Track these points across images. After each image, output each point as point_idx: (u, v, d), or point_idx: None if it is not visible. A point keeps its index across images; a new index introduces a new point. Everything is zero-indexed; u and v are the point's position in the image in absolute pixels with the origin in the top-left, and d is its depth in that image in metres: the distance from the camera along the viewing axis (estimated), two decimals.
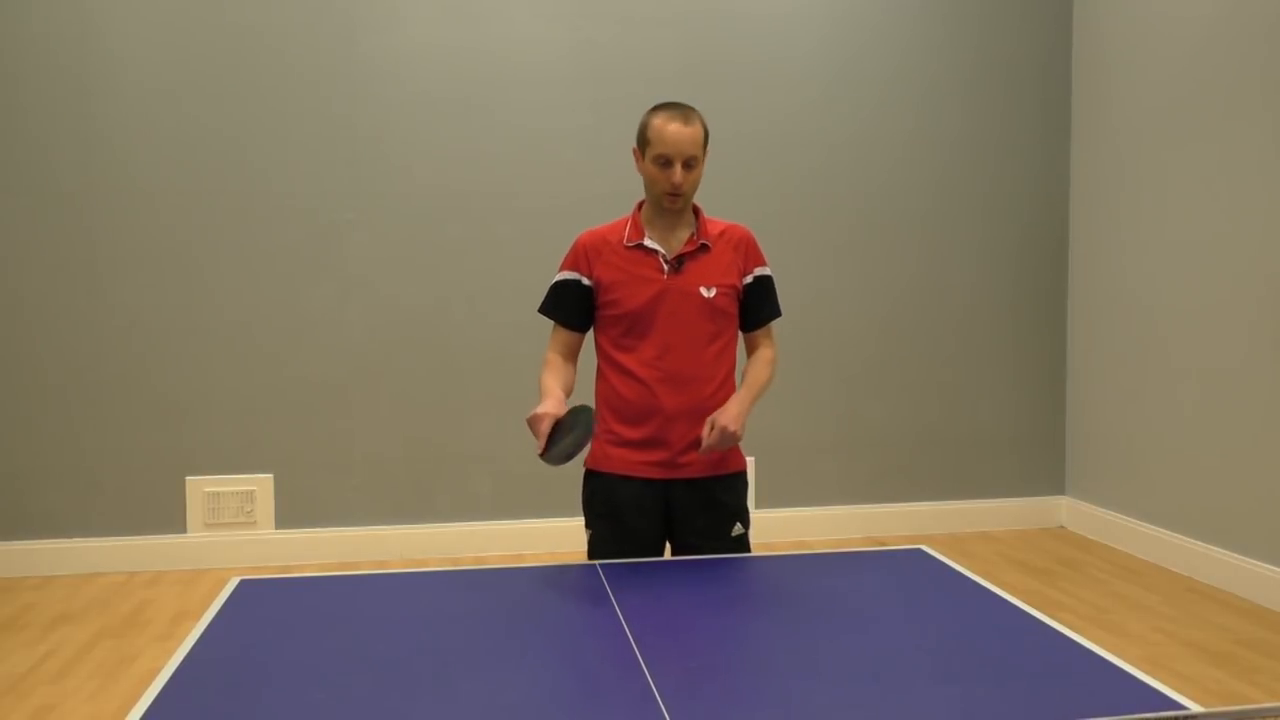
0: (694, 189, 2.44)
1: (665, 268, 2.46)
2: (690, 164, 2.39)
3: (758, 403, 2.59)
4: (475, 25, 4.82)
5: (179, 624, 4.03)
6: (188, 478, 4.75)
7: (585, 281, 2.50)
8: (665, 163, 2.39)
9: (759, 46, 5.02)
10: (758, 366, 2.61)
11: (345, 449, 4.84)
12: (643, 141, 2.45)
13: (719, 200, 5.01)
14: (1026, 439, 5.36)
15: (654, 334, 2.46)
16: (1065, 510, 5.36)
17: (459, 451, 4.90)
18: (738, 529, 2.56)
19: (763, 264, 2.57)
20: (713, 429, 2.38)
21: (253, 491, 4.78)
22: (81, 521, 4.69)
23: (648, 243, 2.47)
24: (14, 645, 3.82)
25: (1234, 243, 4.27)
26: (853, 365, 5.18)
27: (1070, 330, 5.34)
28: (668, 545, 2.57)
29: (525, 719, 1.56)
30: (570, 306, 2.52)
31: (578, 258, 2.52)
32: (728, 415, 2.40)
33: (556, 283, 2.53)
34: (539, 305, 2.58)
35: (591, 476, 2.57)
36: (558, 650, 1.82)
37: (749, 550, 2.56)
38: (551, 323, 2.57)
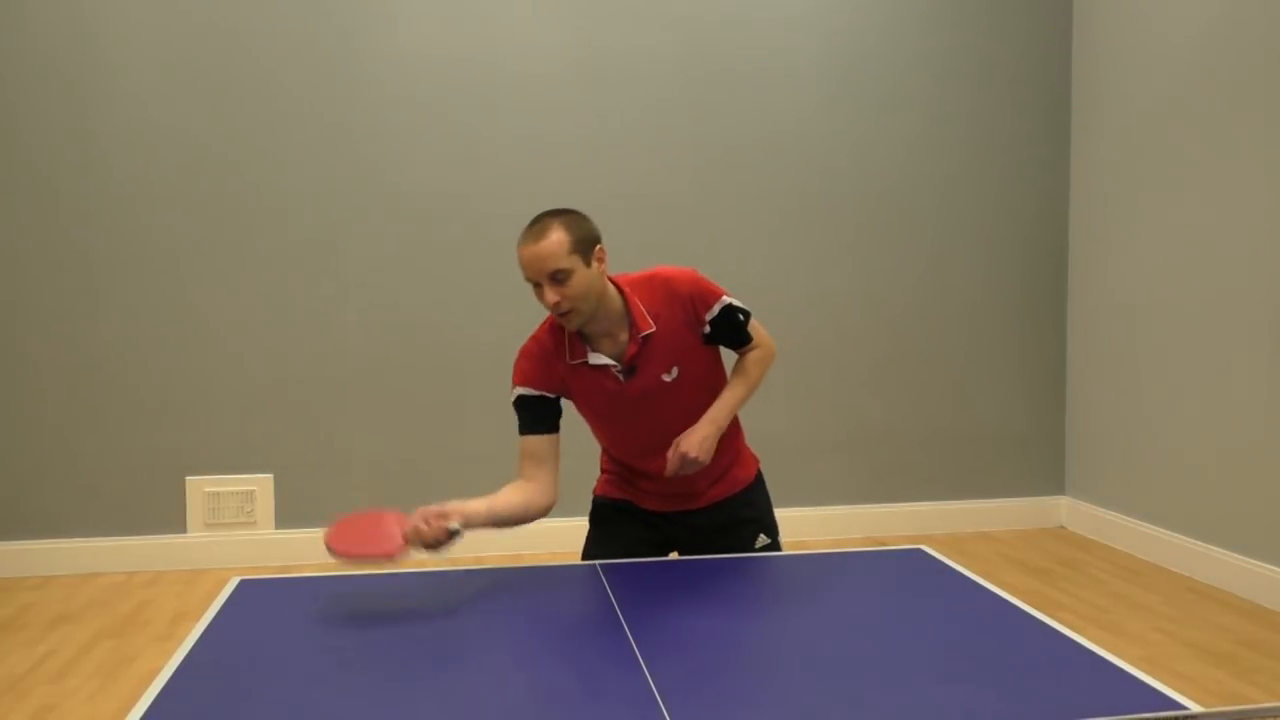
0: (585, 298, 2.21)
1: (620, 377, 2.31)
2: (559, 277, 2.17)
3: (749, 401, 2.57)
4: (475, 26, 4.82)
5: (179, 624, 4.03)
6: (188, 478, 4.75)
7: (550, 396, 2.33)
8: (535, 285, 2.21)
9: (761, 50, 5.02)
10: (734, 381, 2.42)
11: (345, 449, 4.84)
12: None
13: (720, 203, 5.03)
14: (1026, 439, 5.36)
15: (626, 426, 2.39)
16: (1065, 510, 5.36)
17: (459, 451, 4.90)
18: (762, 540, 2.52)
19: (715, 298, 2.34)
20: (675, 452, 2.28)
21: (253, 491, 4.78)
22: (81, 522, 4.69)
23: (593, 360, 2.30)
24: (14, 645, 3.82)
25: (1234, 242, 4.27)
26: (853, 365, 5.18)
27: (1070, 330, 5.34)
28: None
29: (525, 719, 1.56)
30: (541, 417, 2.33)
31: (536, 370, 2.33)
32: (691, 440, 2.28)
33: (517, 399, 2.34)
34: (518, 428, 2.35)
35: (594, 496, 2.61)
36: (558, 650, 1.82)
37: None
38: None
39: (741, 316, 2.39)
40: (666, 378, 2.33)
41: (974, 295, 5.28)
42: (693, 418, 2.37)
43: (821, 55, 5.08)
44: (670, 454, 2.29)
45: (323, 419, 4.81)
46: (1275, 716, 1.52)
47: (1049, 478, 5.39)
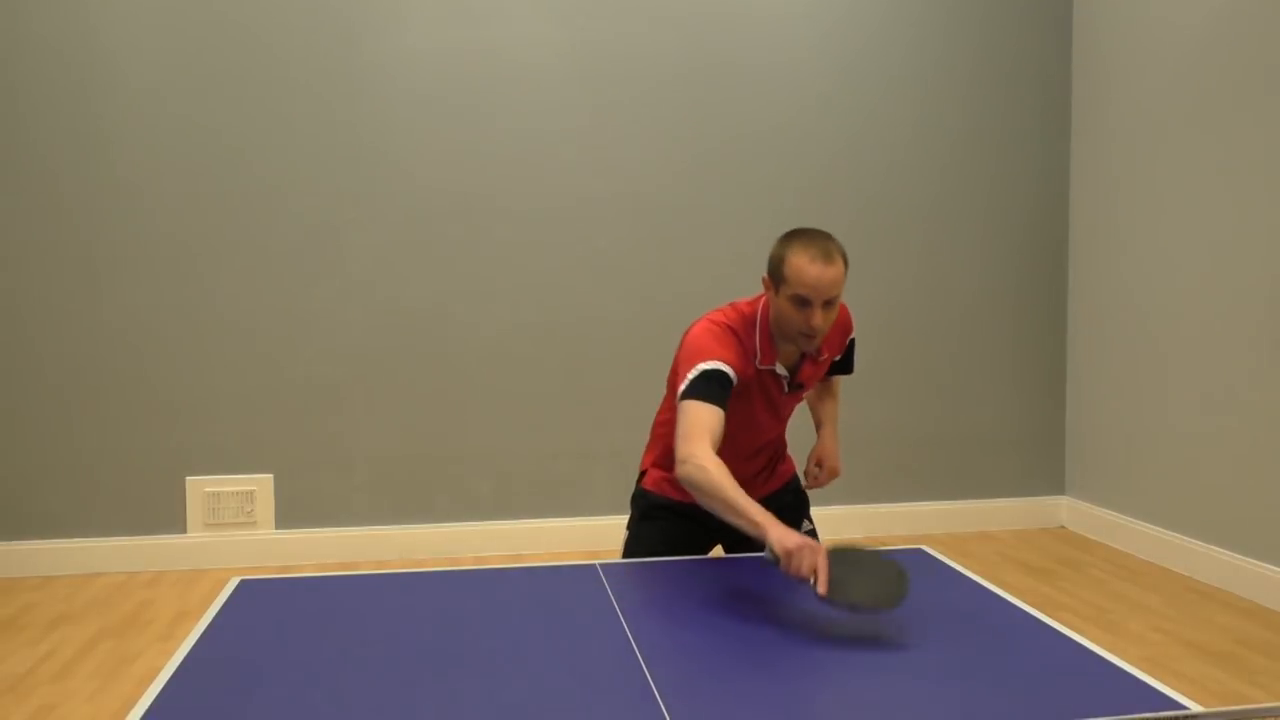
0: (829, 327, 2.28)
1: (786, 389, 2.42)
2: (830, 304, 2.22)
3: None
4: (475, 25, 4.82)
5: (179, 624, 4.03)
6: (188, 478, 4.75)
7: (736, 381, 2.30)
8: (803, 303, 2.21)
9: (759, 47, 5.02)
10: (832, 400, 2.73)
11: (345, 449, 4.84)
12: (777, 276, 2.25)
13: (717, 199, 5.03)
14: (1026, 439, 5.36)
15: (758, 430, 2.44)
16: (1065, 510, 5.36)
17: (459, 451, 4.91)
18: (805, 525, 2.64)
19: (851, 331, 2.57)
20: (821, 469, 2.57)
21: (253, 491, 4.78)
22: (81, 522, 4.69)
23: (779, 370, 2.38)
24: (14, 645, 3.82)
25: (1234, 242, 4.27)
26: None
27: (1070, 330, 5.34)
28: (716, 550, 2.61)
29: (525, 719, 1.56)
30: (727, 393, 2.27)
31: (737, 359, 2.30)
32: (835, 457, 2.59)
33: (717, 372, 2.24)
34: (686, 392, 2.24)
35: (646, 491, 2.60)
36: (558, 650, 1.82)
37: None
38: (697, 403, 2.23)
39: (852, 354, 2.67)
40: (804, 394, 2.51)
41: (974, 295, 5.28)
42: (781, 432, 2.56)
43: (819, 51, 5.08)
44: (812, 465, 2.61)
45: (323, 419, 4.81)
46: (1275, 717, 1.52)
47: (1049, 478, 5.39)
